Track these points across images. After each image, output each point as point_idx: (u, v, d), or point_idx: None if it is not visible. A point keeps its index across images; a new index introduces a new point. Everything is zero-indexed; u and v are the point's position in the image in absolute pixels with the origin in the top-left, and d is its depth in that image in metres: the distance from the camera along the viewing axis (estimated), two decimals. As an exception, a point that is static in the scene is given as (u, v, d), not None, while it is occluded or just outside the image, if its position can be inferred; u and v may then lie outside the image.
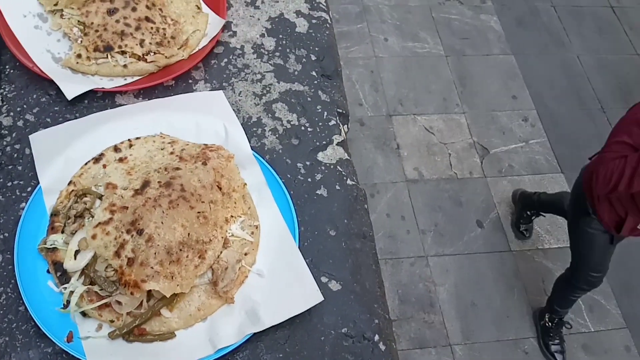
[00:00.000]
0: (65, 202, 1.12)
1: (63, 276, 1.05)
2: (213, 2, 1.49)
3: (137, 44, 1.33)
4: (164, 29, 1.38)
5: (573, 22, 4.26)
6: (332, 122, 1.37)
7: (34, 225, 1.10)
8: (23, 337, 1.02)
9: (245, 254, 1.12)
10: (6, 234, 1.11)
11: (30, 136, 1.21)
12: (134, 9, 1.36)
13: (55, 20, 1.38)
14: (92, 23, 1.34)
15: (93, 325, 1.03)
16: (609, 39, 4.21)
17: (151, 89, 1.35)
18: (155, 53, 1.35)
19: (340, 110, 1.41)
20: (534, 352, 2.92)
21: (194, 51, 1.40)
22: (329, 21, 1.57)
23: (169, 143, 1.22)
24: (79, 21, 1.36)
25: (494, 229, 3.24)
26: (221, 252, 1.09)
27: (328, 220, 1.22)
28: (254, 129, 1.33)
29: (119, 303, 1.02)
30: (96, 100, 1.31)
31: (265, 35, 1.49)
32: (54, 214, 1.11)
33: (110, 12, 1.35)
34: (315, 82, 1.43)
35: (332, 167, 1.30)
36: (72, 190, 1.14)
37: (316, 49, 1.49)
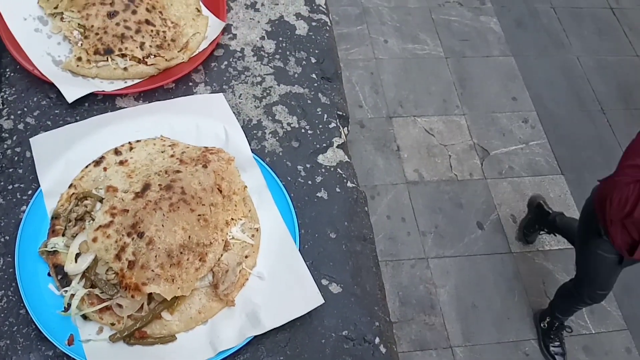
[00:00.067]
0: (66, 205, 1.12)
1: (64, 279, 1.05)
2: (213, 5, 1.49)
3: (137, 47, 1.33)
4: (164, 31, 1.39)
5: (573, 24, 4.25)
6: (332, 125, 1.37)
7: (34, 228, 1.10)
8: (24, 340, 1.02)
9: (246, 257, 1.12)
10: (7, 237, 1.11)
11: (30, 139, 1.21)
12: (134, 12, 1.36)
13: (55, 23, 1.38)
14: (92, 26, 1.34)
15: (94, 328, 1.03)
16: (608, 40, 4.21)
17: (151, 91, 1.35)
18: (155, 56, 1.35)
19: (341, 113, 1.41)
20: (534, 353, 2.91)
21: (194, 54, 1.41)
22: (329, 24, 1.57)
23: (170, 146, 1.22)
24: (79, 24, 1.36)
25: (494, 231, 3.23)
26: (222, 255, 1.09)
27: (328, 223, 1.22)
28: (254, 131, 1.33)
29: (120, 306, 1.02)
30: (96, 103, 1.31)
31: (265, 37, 1.50)
32: (55, 217, 1.11)
33: (111, 15, 1.35)
34: (315, 84, 1.43)
35: (332, 169, 1.30)
36: (73, 193, 1.14)
37: (316, 51, 1.49)
